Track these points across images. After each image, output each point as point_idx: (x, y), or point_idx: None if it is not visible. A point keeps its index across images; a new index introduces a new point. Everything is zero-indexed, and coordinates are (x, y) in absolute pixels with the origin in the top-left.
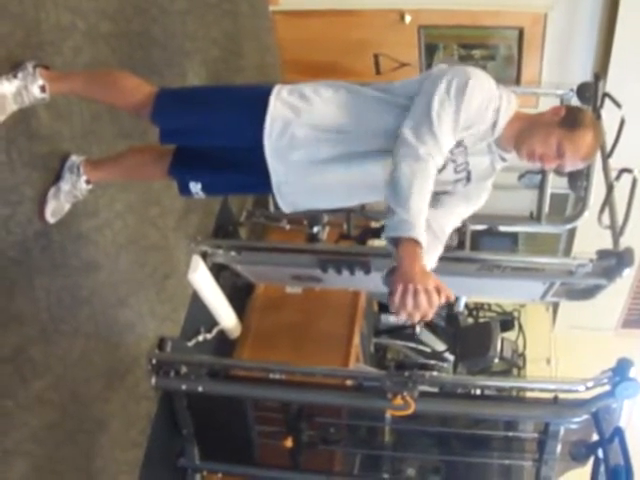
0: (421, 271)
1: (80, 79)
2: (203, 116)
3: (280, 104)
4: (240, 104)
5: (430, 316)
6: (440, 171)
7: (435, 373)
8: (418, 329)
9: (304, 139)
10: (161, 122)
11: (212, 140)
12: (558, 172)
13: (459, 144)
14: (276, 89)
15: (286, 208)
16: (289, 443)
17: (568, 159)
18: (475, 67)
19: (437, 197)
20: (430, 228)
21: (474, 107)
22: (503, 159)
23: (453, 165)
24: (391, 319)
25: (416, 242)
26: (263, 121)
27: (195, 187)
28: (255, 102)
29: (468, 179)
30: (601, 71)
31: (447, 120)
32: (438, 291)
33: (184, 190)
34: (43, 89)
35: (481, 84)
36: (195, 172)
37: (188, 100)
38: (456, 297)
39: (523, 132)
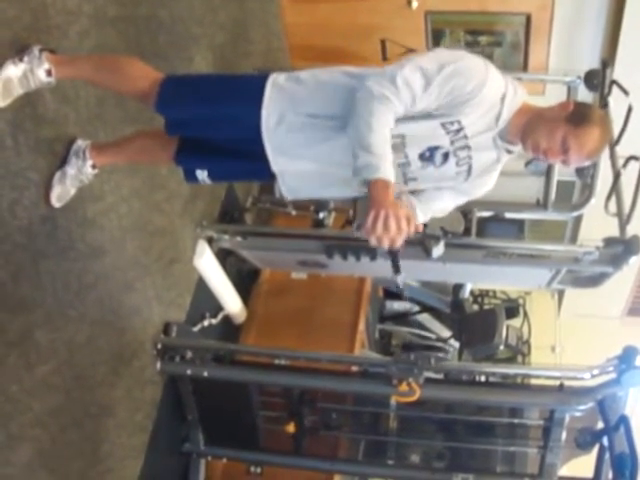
0: (392, 200)
1: (87, 64)
2: (204, 109)
3: (276, 92)
4: (238, 96)
5: (399, 243)
6: (442, 164)
7: (441, 354)
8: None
9: (301, 127)
10: (165, 113)
11: (215, 131)
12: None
13: (458, 131)
14: (272, 76)
15: (288, 194)
16: (291, 428)
17: (572, 155)
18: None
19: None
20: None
21: (457, 72)
22: (509, 152)
23: (455, 159)
24: (396, 305)
25: (385, 180)
26: (260, 112)
27: (201, 174)
28: (252, 93)
29: (469, 173)
30: (609, 58)
31: (413, 73)
32: (408, 220)
33: (190, 177)
34: (49, 73)
35: (470, 61)
36: (201, 160)
37: (190, 91)
38: (461, 284)
39: (529, 125)
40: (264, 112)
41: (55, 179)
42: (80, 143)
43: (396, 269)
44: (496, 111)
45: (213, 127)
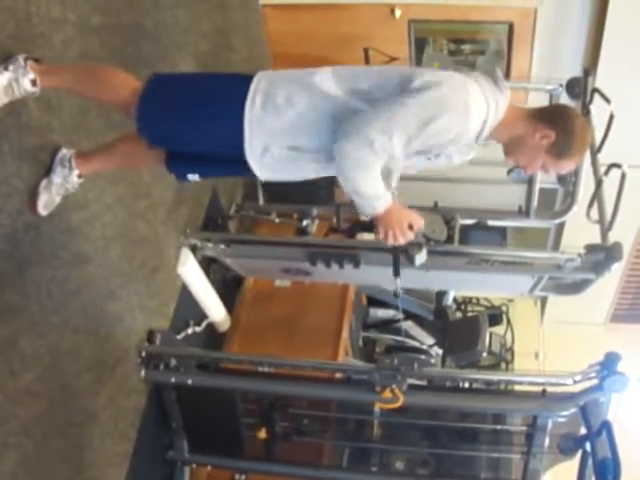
0: (396, 217)
1: (70, 74)
2: (184, 130)
3: (256, 124)
4: (218, 122)
5: (409, 239)
6: (409, 158)
7: (424, 356)
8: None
9: (287, 159)
10: (146, 128)
11: (198, 149)
12: None
13: (438, 155)
14: (249, 101)
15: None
16: (263, 434)
17: (551, 174)
18: (459, 78)
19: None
20: None
21: (440, 129)
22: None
23: (425, 156)
24: (380, 313)
25: (386, 209)
26: (243, 141)
27: (193, 177)
28: (232, 120)
29: (437, 156)
30: (591, 66)
31: (400, 135)
32: (411, 225)
33: (181, 178)
34: (34, 83)
35: (454, 108)
36: (191, 166)
37: (169, 111)
38: (444, 291)
39: (511, 145)
40: (247, 147)
41: (41, 187)
42: (65, 152)
43: (396, 271)
44: (477, 130)
45: (196, 146)
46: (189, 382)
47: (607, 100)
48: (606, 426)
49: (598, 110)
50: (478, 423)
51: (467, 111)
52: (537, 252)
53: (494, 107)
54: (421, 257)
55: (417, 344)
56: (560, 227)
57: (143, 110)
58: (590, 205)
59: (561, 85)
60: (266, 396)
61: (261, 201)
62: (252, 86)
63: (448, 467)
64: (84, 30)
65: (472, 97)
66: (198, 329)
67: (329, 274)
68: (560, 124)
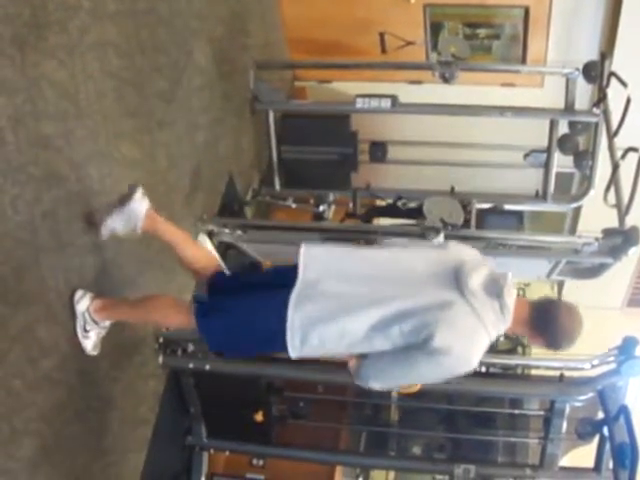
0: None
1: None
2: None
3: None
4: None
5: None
6: None
7: None
8: None
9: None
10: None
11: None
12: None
13: None
14: (290, 346)
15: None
16: (259, 417)
17: None
18: (471, 329)
19: None
20: None
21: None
22: None
23: None
24: None
25: None
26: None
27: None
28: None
29: None
30: (607, 50)
31: None
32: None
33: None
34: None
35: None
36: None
37: (231, 340)
38: None
39: (515, 329)
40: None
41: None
42: None
43: None
44: None
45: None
46: (206, 367)
47: (624, 84)
48: (624, 411)
49: (615, 94)
50: (495, 408)
51: (470, 365)
52: (554, 236)
53: (495, 334)
54: (438, 241)
55: None
56: (577, 211)
57: (212, 340)
58: (607, 189)
59: (577, 69)
60: (261, 380)
61: (277, 187)
62: (287, 330)
63: (465, 451)
64: (99, 17)
65: (477, 351)
66: None
67: None
68: (549, 330)
